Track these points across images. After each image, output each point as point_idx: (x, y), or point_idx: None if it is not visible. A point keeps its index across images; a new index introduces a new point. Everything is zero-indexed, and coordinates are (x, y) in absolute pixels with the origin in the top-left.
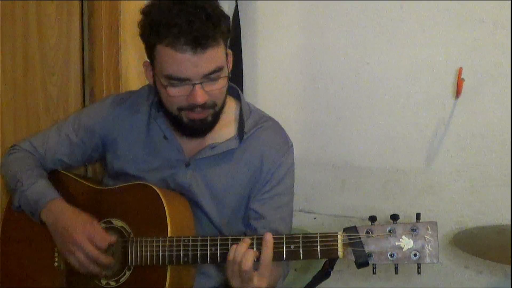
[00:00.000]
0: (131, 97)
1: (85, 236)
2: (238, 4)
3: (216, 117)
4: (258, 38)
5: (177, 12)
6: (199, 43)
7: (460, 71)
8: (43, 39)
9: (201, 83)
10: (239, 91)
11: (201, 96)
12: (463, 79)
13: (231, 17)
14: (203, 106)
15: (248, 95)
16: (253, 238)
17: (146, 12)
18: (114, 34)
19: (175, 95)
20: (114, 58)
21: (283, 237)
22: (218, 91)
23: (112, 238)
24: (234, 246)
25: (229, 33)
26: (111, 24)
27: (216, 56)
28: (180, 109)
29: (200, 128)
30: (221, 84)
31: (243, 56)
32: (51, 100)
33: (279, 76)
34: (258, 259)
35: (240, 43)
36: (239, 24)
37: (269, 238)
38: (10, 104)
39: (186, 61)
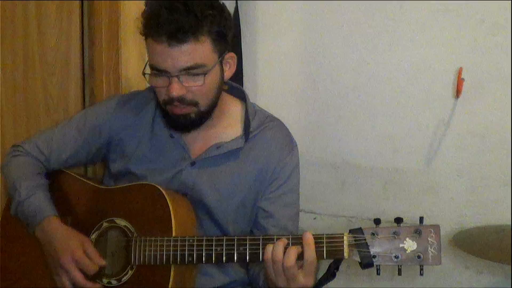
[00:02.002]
0: (137, 97)
1: (72, 262)
2: (238, 4)
3: (201, 117)
4: (258, 38)
5: (163, 6)
6: (175, 35)
7: (460, 71)
8: (43, 39)
9: (178, 77)
10: (245, 92)
11: (176, 89)
12: (463, 79)
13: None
14: (181, 101)
15: (248, 95)
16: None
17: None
18: (114, 34)
19: (156, 85)
20: (114, 58)
21: (289, 238)
22: (198, 89)
23: (102, 262)
24: (270, 245)
25: (222, 35)
26: (111, 24)
27: (196, 52)
28: (165, 103)
29: (183, 124)
30: (203, 82)
31: (243, 56)
32: (51, 100)
33: (279, 76)
34: (299, 257)
35: (240, 43)
36: (239, 24)
37: (309, 236)
38: (10, 104)
39: (163, 53)
